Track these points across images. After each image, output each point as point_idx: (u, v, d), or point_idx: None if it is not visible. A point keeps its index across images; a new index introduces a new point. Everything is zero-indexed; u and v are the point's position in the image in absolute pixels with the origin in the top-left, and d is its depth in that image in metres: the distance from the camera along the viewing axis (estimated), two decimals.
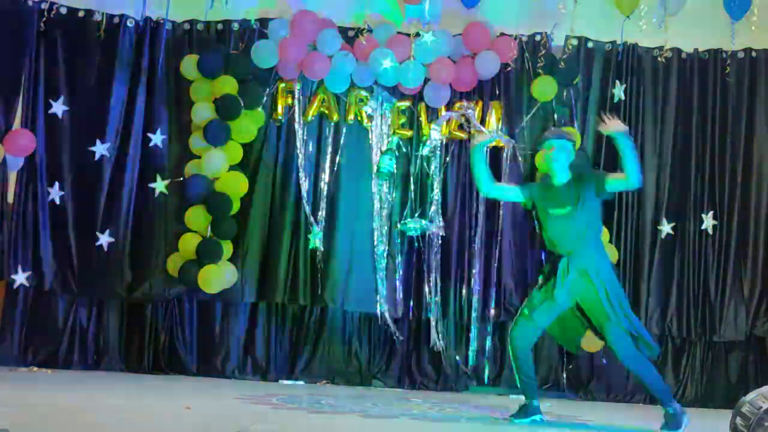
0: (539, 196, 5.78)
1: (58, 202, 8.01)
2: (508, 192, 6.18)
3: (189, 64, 8.04)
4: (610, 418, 6.32)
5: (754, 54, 8.22)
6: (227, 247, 7.96)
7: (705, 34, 8.26)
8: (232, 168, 8.01)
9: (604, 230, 7.89)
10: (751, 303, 8.02)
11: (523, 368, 5.64)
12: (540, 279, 5.77)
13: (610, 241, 8.01)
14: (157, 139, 8.15)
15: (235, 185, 7.98)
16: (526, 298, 5.91)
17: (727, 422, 4.03)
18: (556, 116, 8.17)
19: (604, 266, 5.63)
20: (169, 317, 8.11)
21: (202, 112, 7.95)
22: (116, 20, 8.18)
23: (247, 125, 8.04)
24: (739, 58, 8.23)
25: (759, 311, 8.00)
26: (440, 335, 8.09)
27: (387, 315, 8.04)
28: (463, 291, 8.13)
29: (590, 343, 7.81)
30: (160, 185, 8.12)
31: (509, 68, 8.20)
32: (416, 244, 8.19)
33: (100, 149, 8.06)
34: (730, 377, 8.05)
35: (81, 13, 8.16)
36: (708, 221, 8.10)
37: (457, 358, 8.13)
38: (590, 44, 8.29)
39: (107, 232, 8.01)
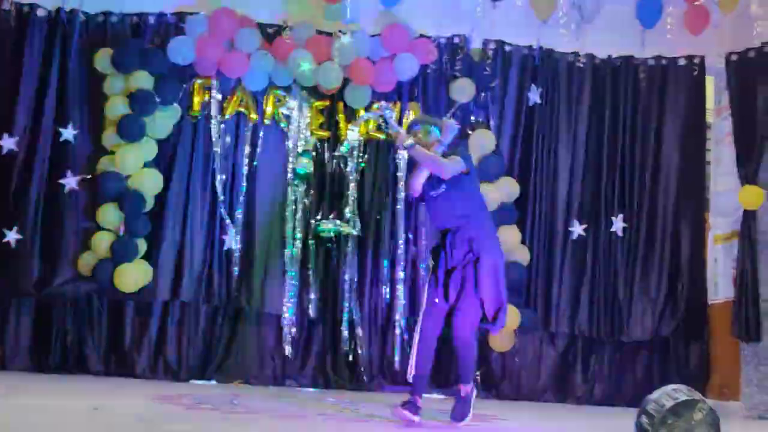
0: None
1: None
2: None
3: (103, 58, 7.87)
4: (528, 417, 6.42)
5: (664, 62, 8.46)
6: (141, 246, 7.83)
7: (618, 41, 8.46)
8: (146, 164, 7.87)
9: (516, 231, 8.01)
10: (657, 304, 8.24)
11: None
12: (431, 263, 5.61)
13: (523, 242, 8.15)
14: (68, 133, 7.95)
15: (149, 182, 7.85)
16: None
17: (632, 420, 4.12)
18: (472, 117, 8.28)
19: (489, 243, 5.50)
20: (79, 316, 7.92)
21: (116, 107, 7.80)
22: (26, 9, 7.95)
23: (163, 121, 7.91)
24: (650, 65, 8.46)
25: (665, 312, 8.23)
26: (355, 335, 8.10)
27: (287, 318, 8.04)
28: (379, 291, 8.16)
29: (501, 343, 7.96)
30: (71, 181, 7.92)
31: (429, 69, 8.27)
32: (332, 245, 8.18)
33: (8, 143, 7.82)
34: (637, 376, 8.26)
35: None
36: (618, 223, 8.30)
37: (373, 358, 8.15)
38: (507, 48, 8.42)
39: (15, 228, 7.77)
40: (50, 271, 7.84)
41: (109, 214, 7.77)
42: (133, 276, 7.68)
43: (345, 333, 8.09)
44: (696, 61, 8.40)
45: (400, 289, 8.13)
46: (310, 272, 8.15)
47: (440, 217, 5.59)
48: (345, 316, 8.08)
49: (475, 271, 5.40)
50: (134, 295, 7.84)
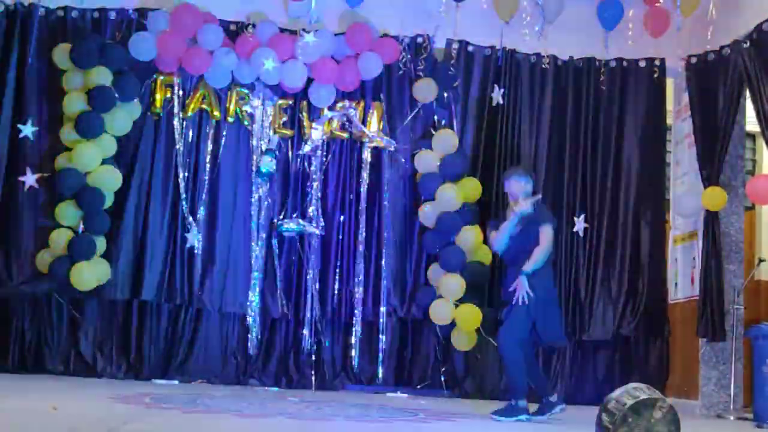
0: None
1: None
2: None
3: (62, 53, 7.76)
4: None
5: (625, 63, 8.54)
6: (101, 243, 7.73)
7: (581, 43, 8.53)
8: (105, 161, 7.77)
9: (478, 231, 8.00)
10: (618, 304, 8.32)
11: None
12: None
13: (485, 242, 8.17)
14: (27, 130, 7.83)
15: (109, 179, 7.75)
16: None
17: (593, 418, 4.15)
18: (436, 117, 8.30)
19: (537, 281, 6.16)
20: (38, 314, 7.81)
21: (75, 103, 7.69)
22: None
23: (122, 118, 7.82)
24: (611, 67, 8.53)
25: (625, 312, 8.31)
26: (319, 335, 8.08)
27: (250, 318, 8.00)
28: (343, 291, 8.15)
29: (463, 342, 7.98)
30: (30, 178, 7.80)
31: (401, 71, 8.27)
32: (296, 245, 8.15)
33: None
34: (598, 375, 8.33)
35: None
36: (579, 224, 8.36)
37: (335, 357, 8.14)
38: (471, 48, 8.44)
39: None
40: (8, 268, 7.72)
41: (68, 212, 7.67)
42: (89, 274, 7.58)
43: (308, 332, 8.07)
44: (656, 63, 8.50)
45: (362, 289, 8.13)
46: (273, 271, 8.11)
47: (510, 253, 6.39)
48: (308, 316, 8.06)
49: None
50: (93, 293, 7.74)
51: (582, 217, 8.37)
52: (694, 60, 8.08)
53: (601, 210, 8.42)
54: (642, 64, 8.52)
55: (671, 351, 8.39)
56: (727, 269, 7.82)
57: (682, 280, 8.36)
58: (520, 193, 6.41)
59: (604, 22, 8.35)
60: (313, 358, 8.08)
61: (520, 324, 6.14)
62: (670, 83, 8.68)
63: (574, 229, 8.36)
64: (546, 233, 6.29)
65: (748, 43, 7.39)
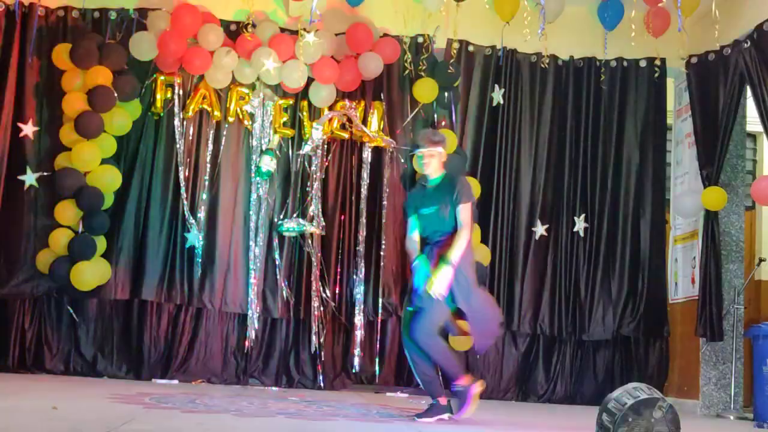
0: (415, 202, 5.92)
1: None
2: (413, 229, 5.92)
3: (62, 53, 7.76)
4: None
5: (625, 63, 8.54)
6: (101, 243, 7.73)
7: (581, 43, 8.53)
8: (105, 161, 7.77)
9: (477, 229, 8.02)
10: (618, 304, 8.32)
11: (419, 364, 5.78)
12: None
13: (485, 242, 8.17)
14: (28, 129, 7.83)
15: (108, 179, 7.75)
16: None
17: (594, 418, 4.15)
18: (436, 117, 8.31)
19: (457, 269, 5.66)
20: (38, 314, 7.81)
21: (74, 103, 7.69)
22: None
23: (122, 118, 7.82)
24: (612, 66, 8.53)
25: (625, 312, 8.32)
26: (319, 334, 8.08)
27: (250, 317, 8.00)
28: (343, 291, 8.15)
29: (462, 342, 7.97)
30: (30, 178, 7.80)
31: (407, 70, 8.27)
32: (296, 245, 8.15)
33: None
34: (598, 375, 8.34)
35: None
36: (580, 224, 8.37)
37: (336, 357, 8.14)
38: (471, 48, 8.44)
39: None
40: (8, 268, 7.73)
41: (67, 212, 7.67)
42: (89, 274, 7.58)
43: (308, 332, 8.06)
44: (657, 63, 8.50)
45: (362, 289, 8.14)
46: (273, 271, 8.11)
47: (428, 230, 5.81)
48: (308, 315, 8.06)
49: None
50: (93, 293, 7.74)
51: (582, 217, 8.38)
52: (694, 60, 8.09)
53: (601, 210, 8.43)
54: (642, 63, 8.52)
55: (671, 351, 8.40)
56: (727, 269, 7.82)
57: (682, 280, 8.36)
58: (440, 165, 5.82)
59: (604, 22, 8.35)
60: (314, 357, 8.07)
61: (441, 313, 5.64)
62: (670, 83, 8.68)
63: (574, 229, 8.36)
64: (465, 213, 5.65)
65: (749, 43, 7.39)
